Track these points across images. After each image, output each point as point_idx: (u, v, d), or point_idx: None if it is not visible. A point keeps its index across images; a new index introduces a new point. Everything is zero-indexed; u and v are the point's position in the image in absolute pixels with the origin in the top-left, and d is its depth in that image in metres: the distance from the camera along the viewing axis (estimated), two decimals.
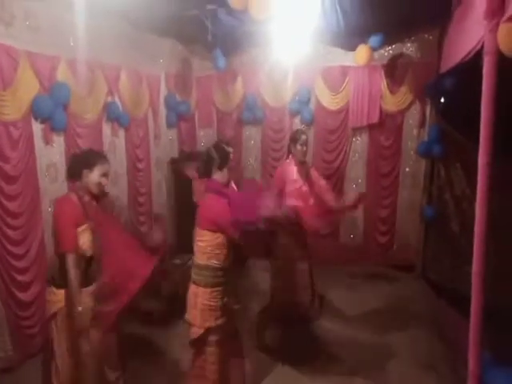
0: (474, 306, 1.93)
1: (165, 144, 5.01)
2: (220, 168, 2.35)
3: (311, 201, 3.26)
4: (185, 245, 4.95)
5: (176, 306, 4.03)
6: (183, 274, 4.37)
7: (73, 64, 3.47)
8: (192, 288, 2.35)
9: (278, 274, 3.58)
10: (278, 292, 3.57)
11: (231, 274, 2.41)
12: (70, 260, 2.21)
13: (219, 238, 2.27)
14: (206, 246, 2.28)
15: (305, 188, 3.37)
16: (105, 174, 2.38)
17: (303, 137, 3.46)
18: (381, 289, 4.45)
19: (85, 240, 2.31)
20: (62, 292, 2.34)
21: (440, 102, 4.51)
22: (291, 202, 3.11)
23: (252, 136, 5.41)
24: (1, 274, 2.96)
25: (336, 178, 5.00)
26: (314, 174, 3.58)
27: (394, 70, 4.64)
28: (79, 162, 2.37)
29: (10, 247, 2.99)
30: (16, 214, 3.02)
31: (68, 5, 3.07)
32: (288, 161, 3.51)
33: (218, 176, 2.36)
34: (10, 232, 2.98)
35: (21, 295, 3.09)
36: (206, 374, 2.39)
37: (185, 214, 5.00)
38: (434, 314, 3.86)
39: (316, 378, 2.99)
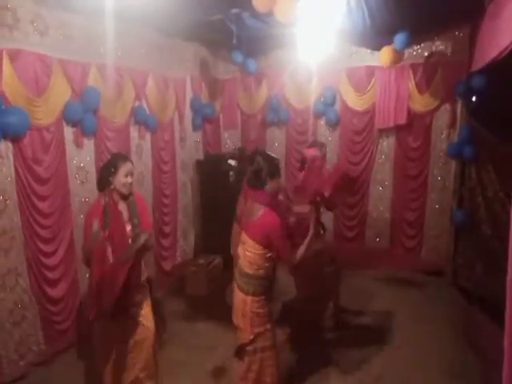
0: (509, 314, 1.84)
1: (190, 146, 5.08)
2: (271, 178, 2.35)
3: None
4: (209, 245, 5.04)
5: (200, 305, 4.15)
6: (207, 274, 4.45)
7: (103, 70, 3.59)
8: (240, 295, 2.40)
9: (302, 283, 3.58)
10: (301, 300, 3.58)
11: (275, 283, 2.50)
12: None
13: (270, 253, 2.32)
14: (257, 258, 2.32)
15: None
16: (128, 174, 2.44)
17: (323, 149, 3.52)
18: (408, 294, 4.33)
19: None
20: None
21: (471, 102, 4.35)
22: None
23: (276, 138, 5.41)
24: (32, 270, 3.10)
25: (362, 180, 4.92)
26: None
27: (422, 69, 4.51)
28: (105, 172, 2.46)
29: (40, 245, 3.13)
30: (46, 214, 3.15)
31: (98, 14, 3.19)
32: None
33: (268, 187, 2.36)
34: (40, 230, 3.12)
35: (50, 291, 3.22)
36: (264, 378, 2.44)
37: (210, 215, 5.07)
38: (464, 322, 3.72)
39: None
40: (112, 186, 2.41)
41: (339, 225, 5.07)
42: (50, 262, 3.21)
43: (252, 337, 2.37)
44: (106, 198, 2.38)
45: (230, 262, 3.99)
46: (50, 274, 3.21)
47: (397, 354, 3.29)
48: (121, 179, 2.41)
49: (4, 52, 2.77)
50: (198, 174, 5.13)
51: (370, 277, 4.69)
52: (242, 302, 2.38)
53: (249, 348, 2.41)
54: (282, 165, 5.37)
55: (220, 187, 4.71)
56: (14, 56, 2.85)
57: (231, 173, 4.69)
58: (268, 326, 2.41)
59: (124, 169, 2.42)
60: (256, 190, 2.39)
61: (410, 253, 4.87)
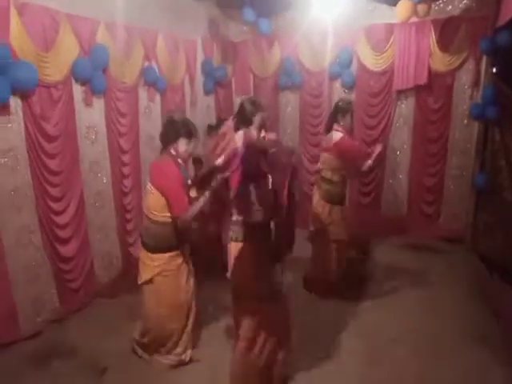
0: None
1: (202, 111, 4.97)
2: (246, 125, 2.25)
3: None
4: None
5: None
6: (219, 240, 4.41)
7: (112, 27, 3.48)
8: (231, 245, 2.32)
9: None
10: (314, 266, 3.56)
11: (266, 231, 2.28)
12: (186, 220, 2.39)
13: None
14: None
15: None
16: (192, 150, 2.57)
17: (352, 106, 3.37)
18: (426, 261, 4.21)
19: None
20: (158, 257, 2.49)
21: (497, 60, 4.11)
22: None
23: (290, 102, 5.23)
24: (44, 228, 3.09)
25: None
26: None
27: (444, 26, 4.26)
28: (179, 129, 2.49)
29: (50, 203, 3.11)
30: (56, 172, 3.12)
31: None
32: (341, 133, 3.29)
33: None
34: (50, 189, 3.10)
35: (62, 249, 3.23)
36: (240, 331, 2.34)
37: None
38: (483, 288, 3.61)
39: (358, 350, 2.85)
40: (178, 148, 2.48)
41: (354, 190, 4.94)
42: (61, 220, 3.20)
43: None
44: (180, 160, 2.49)
45: None
46: (60, 233, 3.20)
47: (415, 318, 3.20)
48: (190, 149, 2.52)
49: (11, 4, 2.68)
50: (210, 138, 5.04)
51: (387, 244, 4.58)
52: (229, 250, 2.30)
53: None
54: (296, 129, 5.23)
55: None
56: (22, 9, 2.76)
57: None
58: None
59: (196, 140, 2.53)
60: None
61: (429, 219, 4.73)
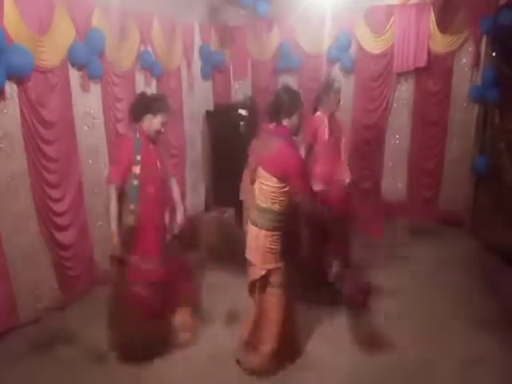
0: None
1: (200, 96, 4.92)
2: (289, 114, 2.26)
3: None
4: (220, 199, 4.99)
5: (211, 256, 4.14)
6: (219, 226, 4.42)
7: (107, 11, 3.42)
8: (253, 230, 2.34)
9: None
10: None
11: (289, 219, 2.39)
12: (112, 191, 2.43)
13: (286, 187, 2.24)
14: (272, 191, 2.25)
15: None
16: (164, 123, 2.52)
17: (337, 84, 3.25)
18: (426, 243, 4.21)
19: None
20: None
21: (497, 40, 4.05)
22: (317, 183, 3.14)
23: None
24: (41, 215, 3.07)
25: (378, 129, 4.72)
26: (342, 127, 3.41)
27: (444, 6, 4.20)
28: (144, 105, 2.50)
29: (47, 190, 3.09)
30: (53, 159, 3.09)
31: None
32: (320, 113, 3.21)
33: (287, 123, 2.28)
34: (47, 175, 3.07)
35: (60, 237, 3.20)
36: (270, 315, 2.40)
37: (220, 167, 4.99)
38: (484, 271, 3.61)
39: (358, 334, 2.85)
40: (143, 125, 2.48)
41: (354, 174, 4.91)
42: (58, 207, 3.17)
43: (263, 273, 2.32)
44: (137, 135, 2.47)
45: (242, 213, 3.96)
46: (58, 220, 3.18)
47: (416, 302, 3.20)
48: (157, 124, 2.48)
49: None
50: (209, 124, 5.01)
51: (386, 227, 4.54)
52: (255, 237, 2.32)
53: (259, 284, 2.37)
54: None
55: (230, 138, 4.59)
56: None
57: (242, 123, 4.56)
58: (280, 264, 2.35)
59: (164, 116, 2.50)
60: (276, 123, 2.31)
61: (428, 202, 4.73)
